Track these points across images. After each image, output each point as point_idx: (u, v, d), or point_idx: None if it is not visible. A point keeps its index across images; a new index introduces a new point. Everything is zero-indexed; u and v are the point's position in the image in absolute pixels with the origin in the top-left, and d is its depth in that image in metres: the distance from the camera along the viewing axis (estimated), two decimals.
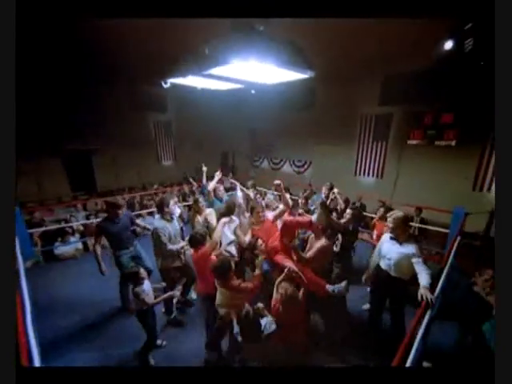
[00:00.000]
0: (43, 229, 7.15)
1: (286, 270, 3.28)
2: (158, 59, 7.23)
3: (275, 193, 7.63)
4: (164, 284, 4.01)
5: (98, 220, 5.57)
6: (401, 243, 3.42)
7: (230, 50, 2.56)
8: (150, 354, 3.75)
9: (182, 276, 4.68)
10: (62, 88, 10.19)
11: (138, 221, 4.82)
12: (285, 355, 3.29)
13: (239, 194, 5.35)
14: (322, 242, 3.71)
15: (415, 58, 7.48)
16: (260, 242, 3.94)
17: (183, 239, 4.67)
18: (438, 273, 3.54)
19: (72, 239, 7.25)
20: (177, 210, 5.04)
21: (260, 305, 3.34)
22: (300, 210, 4.53)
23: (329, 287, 3.41)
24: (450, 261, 3.79)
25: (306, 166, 12.56)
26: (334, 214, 4.54)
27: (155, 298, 3.59)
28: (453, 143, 8.18)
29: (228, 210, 4.22)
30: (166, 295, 3.69)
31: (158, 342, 3.99)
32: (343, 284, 3.40)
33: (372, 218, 6.89)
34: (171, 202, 4.41)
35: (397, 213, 3.54)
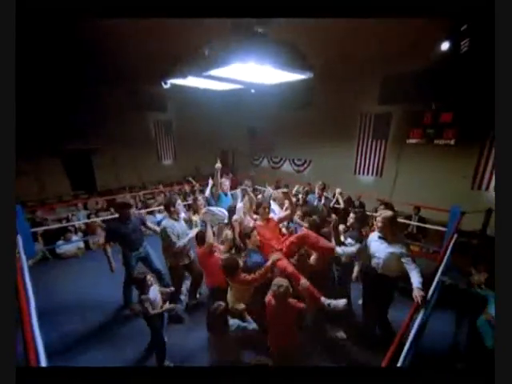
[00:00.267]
0: (46, 228, 7.21)
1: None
2: (158, 59, 7.23)
3: (270, 190, 7.63)
4: (172, 289, 3.97)
5: (103, 219, 5.58)
6: (389, 242, 3.46)
7: (230, 52, 2.59)
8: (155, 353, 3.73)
9: (190, 273, 4.72)
10: (62, 88, 10.18)
11: (148, 222, 4.86)
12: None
13: (239, 204, 5.29)
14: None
15: (414, 58, 7.49)
16: (255, 233, 3.92)
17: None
18: (434, 270, 3.58)
19: (74, 238, 7.33)
20: (182, 210, 5.06)
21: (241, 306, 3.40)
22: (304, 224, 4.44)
23: (324, 300, 3.33)
24: (445, 259, 3.85)
25: (305, 165, 12.55)
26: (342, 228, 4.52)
27: (161, 303, 3.58)
28: (452, 142, 8.18)
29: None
30: (168, 307, 3.64)
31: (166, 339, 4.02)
32: (341, 302, 3.32)
33: (372, 216, 7.01)
34: (178, 202, 4.49)
35: (385, 212, 3.60)
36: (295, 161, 12.95)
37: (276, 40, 2.80)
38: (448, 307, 4.10)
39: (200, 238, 3.98)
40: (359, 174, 10.86)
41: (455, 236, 4.57)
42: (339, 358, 3.87)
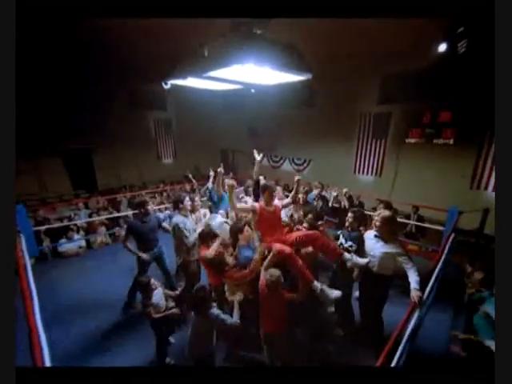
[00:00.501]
0: (49, 226, 7.27)
1: (273, 252, 3.31)
2: (159, 58, 7.24)
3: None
4: (177, 292, 4.00)
5: (126, 218, 5.55)
6: (385, 242, 3.48)
7: (229, 53, 2.62)
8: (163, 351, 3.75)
9: (199, 269, 4.72)
10: (63, 87, 10.21)
11: (164, 223, 4.91)
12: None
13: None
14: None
15: (414, 58, 7.51)
16: (247, 228, 3.89)
17: None
18: (431, 269, 3.61)
19: (76, 237, 7.38)
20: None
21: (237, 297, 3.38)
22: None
23: (316, 284, 3.34)
24: (443, 257, 3.87)
25: (305, 164, 12.56)
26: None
27: (165, 307, 3.60)
28: (451, 142, 8.23)
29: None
30: (171, 312, 3.63)
31: (171, 340, 4.03)
32: (334, 293, 3.32)
33: (371, 216, 7.05)
34: (186, 199, 4.56)
35: (384, 212, 3.62)
36: (295, 160, 12.96)
37: (275, 41, 2.84)
38: (445, 305, 4.11)
39: (203, 237, 3.96)
40: (359, 173, 10.88)
41: (453, 235, 4.61)
42: (336, 355, 3.94)
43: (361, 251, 3.74)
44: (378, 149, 10.14)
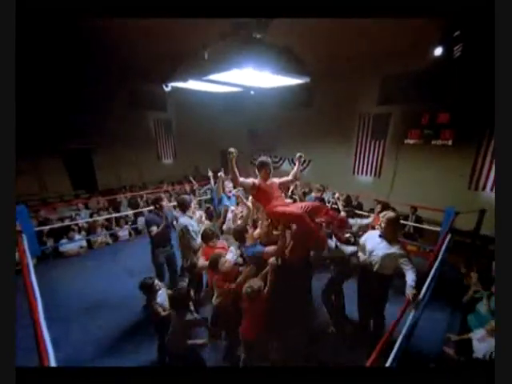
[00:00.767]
0: (51, 226, 7.31)
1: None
2: (159, 58, 7.25)
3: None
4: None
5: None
6: (389, 242, 3.51)
7: (229, 58, 2.66)
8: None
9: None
10: (63, 87, 10.22)
11: (175, 222, 4.97)
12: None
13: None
14: None
15: (413, 59, 7.53)
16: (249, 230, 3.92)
17: None
18: (428, 269, 3.67)
19: (77, 237, 7.42)
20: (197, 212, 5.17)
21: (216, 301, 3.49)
22: None
23: (330, 242, 3.48)
24: (439, 257, 3.92)
25: (304, 165, 12.57)
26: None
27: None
28: (449, 143, 8.28)
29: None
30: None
31: None
32: (349, 248, 3.50)
33: (369, 216, 7.10)
34: (193, 202, 4.69)
35: (389, 213, 3.63)
36: (295, 160, 12.71)
37: (273, 46, 2.89)
38: (441, 305, 4.15)
39: (206, 236, 4.04)
40: (358, 174, 10.92)
41: (449, 236, 4.64)
42: (331, 355, 3.97)
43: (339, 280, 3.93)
44: (377, 149, 10.18)
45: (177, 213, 4.68)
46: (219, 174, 5.53)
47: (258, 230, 4.04)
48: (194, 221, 4.61)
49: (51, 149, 10.81)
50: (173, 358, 3.34)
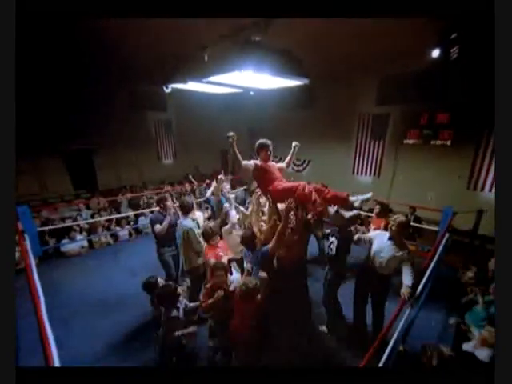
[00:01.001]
0: (53, 227, 7.37)
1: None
2: (159, 58, 7.24)
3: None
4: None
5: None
6: (398, 245, 3.58)
7: (228, 61, 2.71)
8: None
9: (205, 272, 4.77)
10: (64, 88, 10.24)
11: (179, 221, 4.96)
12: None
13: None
14: None
15: (412, 60, 7.51)
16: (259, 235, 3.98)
17: None
18: (425, 268, 3.78)
19: (78, 237, 7.49)
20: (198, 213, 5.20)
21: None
22: None
23: (330, 208, 3.61)
24: (436, 256, 3.98)
25: (304, 165, 12.61)
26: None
27: None
28: (448, 143, 8.31)
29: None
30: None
31: None
32: (366, 195, 3.58)
33: (368, 217, 7.40)
34: (195, 205, 4.70)
35: (401, 217, 3.69)
36: (294, 161, 12.62)
37: (273, 48, 2.91)
38: (438, 305, 4.30)
39: (207, 235, 4.09)
40: (357, 174, 10.95)
41: (447, 235, 4.73)
42: (326, 356, 4.03)
43: (344, 248, 3.95)
44: (377, 149, 10.21)
45: (180, 216, 4.67)
46: (219, 177, 5.55)
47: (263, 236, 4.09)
48: (197, 223, 4.61)
49: (52, 149, 10.84)
50: (165, 353, 3.41)
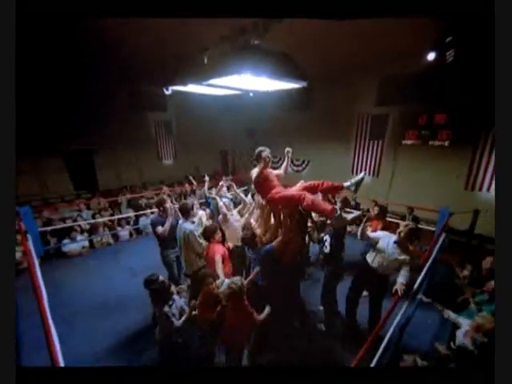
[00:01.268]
0: (55, 227, 7.45)
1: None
2: (159, 58, 7.24)
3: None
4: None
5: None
6: (402, 250, 3.65)
7: (227, 65, 2.75)
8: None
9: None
10: (64, 88, 10.26)
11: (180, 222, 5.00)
12: None
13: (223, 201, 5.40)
14: None
15: (411, 60, 7.51)
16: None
17: None
18: (421, 267, 3.86)
19: (79, 237, 7.54)
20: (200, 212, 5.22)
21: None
22: None
23: (345, 184, 3.72)
24: (432, 255, 4.08)
25: (304, 165, 12.62)
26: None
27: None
28: (446, 143, 8.35)
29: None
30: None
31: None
32: (359, 176, 3.66)
33: (364, 216, 7.24)
34: (195, 207, 4.72)
35: (411, 224, 3.79)
36: (294, 161, 12.99)
37: (271, 51, 2.94)
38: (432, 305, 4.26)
39: (208, 233, 4.15)
40: (356, 174, 10.89)
41: (443, 235, 4.82)
42: (324, 353, 4.08)
43: (338, 246, 4.10)
44: (376, 150, 10.26)
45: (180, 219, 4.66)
46: (220, 184, 5.71)
47: (267, 235, 4.13)
48: (197, 225, 4.61)
49: (52, 149, 10.88)
50: (163, 350, 3.52)
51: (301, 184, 3.82)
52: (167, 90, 4.20)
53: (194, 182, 8.87)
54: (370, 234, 4.02)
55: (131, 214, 9.05)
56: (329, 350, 4.10)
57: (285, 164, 4.16)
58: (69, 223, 7.86)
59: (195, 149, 15.09)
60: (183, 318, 3.37)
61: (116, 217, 8.63)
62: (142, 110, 13.20)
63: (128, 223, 8.82)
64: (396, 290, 3.18)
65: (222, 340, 3.36)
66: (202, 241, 4.33)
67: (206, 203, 5.94)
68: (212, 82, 3.26)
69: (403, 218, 7.83)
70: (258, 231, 4.31)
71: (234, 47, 2.87)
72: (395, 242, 3.70)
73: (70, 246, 7.28)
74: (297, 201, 3.49)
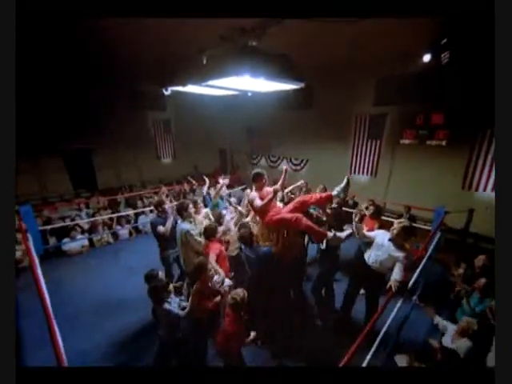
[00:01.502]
0: (55, 226, 7.47)
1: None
2: (159, 58, 7.23)
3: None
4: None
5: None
6: (396, 247, 3.73)
7: (226, 67, 2.78)
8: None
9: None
10: (64, 88, 10.27)
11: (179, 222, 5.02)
12: None
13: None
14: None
15: (409, 60, 7.52)
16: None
17: None
18: (415, 262, 3.98)
19: (78, 236, 7.56)
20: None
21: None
22: None
23: (330, 234, 3.66)
24: (428, 254, 4.23)
25: (302, 164, 12.65)
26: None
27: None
28: (443, 143, 8.40)
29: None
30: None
31: None
32: (345, 233, 3.75)
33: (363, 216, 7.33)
34: (190, 206, 4.64)
35: (405, 222, 3.86)
36: (292, 160, 13.06)
37: (269, 53, 2.96)
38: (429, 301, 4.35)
39: (209, 232, 4.16)
40: (354, 173, 11.04)
41: (439, 234, 4.90)
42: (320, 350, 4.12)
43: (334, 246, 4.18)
44: (374, 149, 10.30)
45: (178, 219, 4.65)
46: (220, 182, 5.71)
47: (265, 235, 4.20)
48: (194, 224, 4.63)
49: (51, 148, 10.87)
50: (164, 348, 3.57)
51: (293, 203, 3.91)
52: (166, 90, 4.22)
53: (193, 182, 8.88)
54: (366, 233, 4.09)
55: (131, 211, 9.04)
56: (325, 345, 4.15)
57: (281, 181, 4.20)
58: (68, 222, 7.88)
59: (194, 148, 15.11)
60: (187, 309, 3.41)
61: (115, 215, 8.63)
62: (141, 109, 13.11)
63: (128, 222, 8.82)
64: (390, 287, 3.27)
65: (216, 344, 3.40)
66: (200, 239, 4.36)
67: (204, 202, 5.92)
68: (211, 83, 3.29)
69: (400, 217, 7.85)
70: (255, 229, 4.37)
71: (232, 49, 2.88)
72: (390, 240, 3.78)
73: (69, 245, 7.30)
74: (292, 224, 3.63)
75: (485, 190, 7.74)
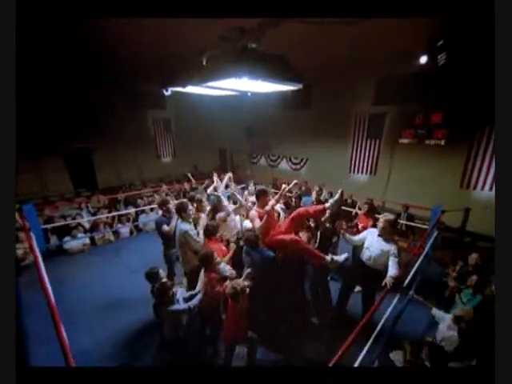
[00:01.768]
0: (56, 224, 7.53)
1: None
2: (159, 57, 7.23)
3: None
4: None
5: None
6: (385, 240, 3.83)
7: (225, 69, 2.84)
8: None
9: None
10: (64, 87, 10.28)
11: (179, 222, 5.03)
12: None
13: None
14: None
15: (408, 60, 7.52)
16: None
17: None
18: (411, 259, 4.11)
19: (80, 235, 7.58)
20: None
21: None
22: None
23: (327, 258, 3.76)
24: (424, 252, 4.31)
25: (302, 164, 12.69)
26: None
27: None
28: (442, 142, 8.43)
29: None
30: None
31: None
32: (342, 256, 3.82)
33: (357, 214, 7.56)
34: (189, 207, 4.65)
35: (388, 216, 3.96)
36: (292, 159, 13.14)
37: (267, 55, 2.98)
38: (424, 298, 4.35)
39: (209, 231, 4.19)
40: (354, 172, 11.09)
41: (435, 232, 5.01)
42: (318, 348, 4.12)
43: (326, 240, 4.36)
44: (373, 148, 10.36)
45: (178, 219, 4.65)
46: (228, 176, 5.85)
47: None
48: (197, 224, 4.68)
49: (52, 148, 10.91)
50: (168, 343, 3.64)
51: (291, 216, 4.04)
52: (166, 91, 4.22)
53: (193, 180, 8.90)
54: (356, 237, 4.23)
55: (131, 210, 9.04)
56: (323, 342, 4.17)
57: (278, 196, 4.23)
58: (69, 221, 7.91)
59: (194, 147, 15.14)
60: (199, 296, 3.50)
61: (116, 213, 8.65)
62: (141, 108, 13.18)
63: (128, 220, 8.82)
64: (385, 283, 3.31)
65: (223, 335, 3.48)
66: (198, 238, 4.38)
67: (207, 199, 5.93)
68: (211, 84, 3.33)
69: (398, 216, 7.88)
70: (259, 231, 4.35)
71: (231, 51, 2.90)
72: (379, 235, 3.89)
73: (71, 243, 7.33)
74: (291, 245, 3.80)
75: (482, 188, 7.83)
